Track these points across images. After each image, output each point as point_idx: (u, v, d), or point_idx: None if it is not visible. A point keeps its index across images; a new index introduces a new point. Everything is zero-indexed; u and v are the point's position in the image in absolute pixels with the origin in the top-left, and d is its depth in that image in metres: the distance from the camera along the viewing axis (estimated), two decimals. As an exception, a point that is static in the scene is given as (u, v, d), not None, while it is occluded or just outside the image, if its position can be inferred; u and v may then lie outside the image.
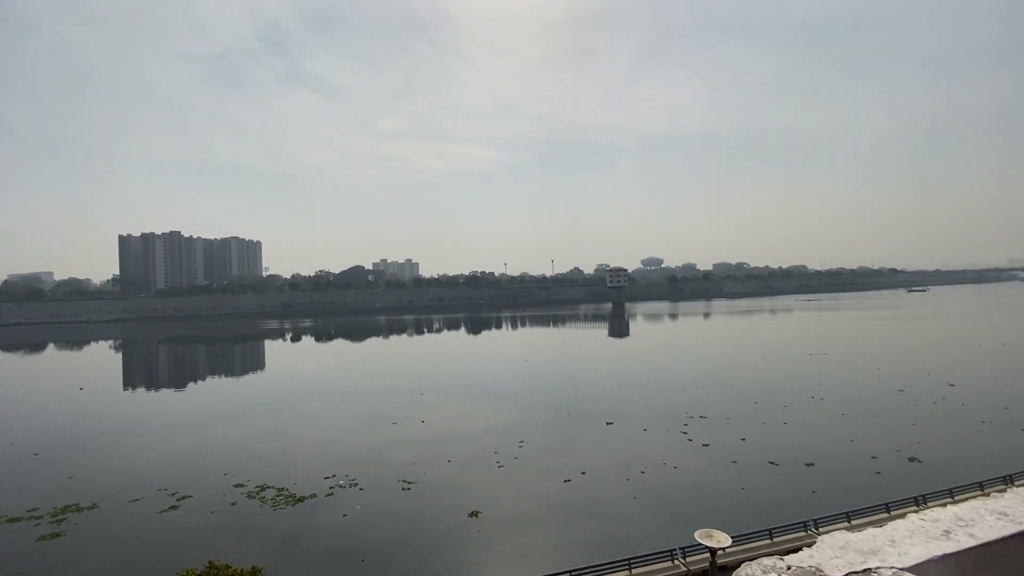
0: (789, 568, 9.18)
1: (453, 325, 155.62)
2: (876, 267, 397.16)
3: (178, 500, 28.55)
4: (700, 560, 18.19)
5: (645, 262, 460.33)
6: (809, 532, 20.02)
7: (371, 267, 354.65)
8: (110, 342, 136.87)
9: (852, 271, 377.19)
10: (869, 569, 8.93)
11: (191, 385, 70.68)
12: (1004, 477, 23.64)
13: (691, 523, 19.82)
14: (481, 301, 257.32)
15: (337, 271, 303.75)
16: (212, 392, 64.71)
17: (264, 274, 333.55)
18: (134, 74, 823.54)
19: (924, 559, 9.30)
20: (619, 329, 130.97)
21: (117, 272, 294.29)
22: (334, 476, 31.31)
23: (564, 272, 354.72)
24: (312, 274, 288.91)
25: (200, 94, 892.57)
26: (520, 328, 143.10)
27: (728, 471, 30.26)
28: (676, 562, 18.40)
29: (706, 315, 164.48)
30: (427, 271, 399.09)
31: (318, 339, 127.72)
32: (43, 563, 22.42)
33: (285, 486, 29.86)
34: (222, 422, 46.97)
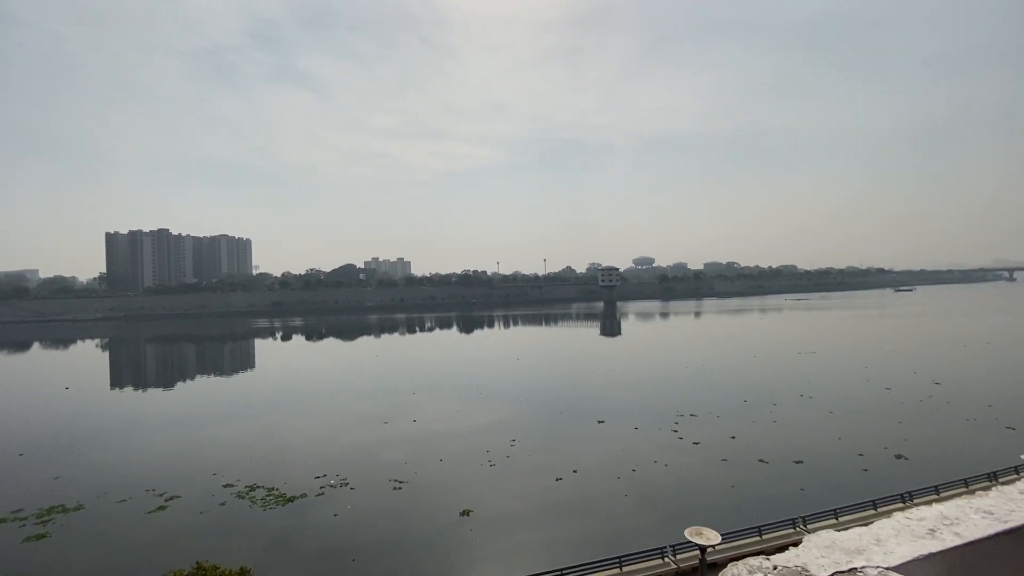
0: (775, 568, 9.25)
1: (445, 324, 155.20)
2: (864, 267, 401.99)
3: (166, 501, 28.26)
4: (690, 557, 18.37)
5: (637, 261, 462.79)
6: (798, 529, 20.27)
7: (362, 265, 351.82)
8: (97, 341, 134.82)
9: (841, 271, 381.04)
10: (855, 569, 9.03)
11: (179, 384, 69.87)
12: (989, 474, 24.04)
13: (682, 521, 19.96)
14: (473, 300, 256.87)
15: (328, 269, 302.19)
16: (201, 392, 64.00)
17: (254, 272, 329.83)
18: (122, 70, 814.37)
19: (910, 558, 9.40)
20: (611, 328, 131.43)
21: (104, 270, 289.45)
22: (325, 476, 31.16)
23: (556, 271, 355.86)
24: (303, 272, 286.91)
25: (189, 90, 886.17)
26: (512, 327, 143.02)
27: (718, 469, 30.54)
28: (667, 560, 18.56)
29: (697, 314, 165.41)
30: (419, 270, 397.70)
31: (309, 338, 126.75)
32: (28, 565, 22.09)
33: (275, 486, 29.66)
34: (211, 422, 46.48)
